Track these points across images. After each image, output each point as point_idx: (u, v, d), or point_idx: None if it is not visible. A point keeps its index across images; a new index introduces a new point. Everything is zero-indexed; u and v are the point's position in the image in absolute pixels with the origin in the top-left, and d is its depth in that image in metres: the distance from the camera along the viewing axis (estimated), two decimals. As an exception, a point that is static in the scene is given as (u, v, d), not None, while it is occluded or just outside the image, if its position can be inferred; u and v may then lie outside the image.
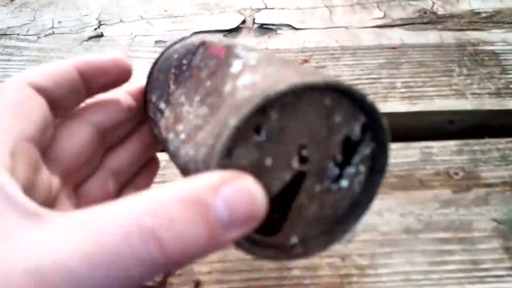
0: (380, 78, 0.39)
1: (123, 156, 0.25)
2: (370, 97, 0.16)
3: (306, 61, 0.40)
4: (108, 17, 0.46)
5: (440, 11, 0.44)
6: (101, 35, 0.44)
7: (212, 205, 0.14)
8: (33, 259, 0.13)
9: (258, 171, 0.15)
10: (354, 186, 0.17)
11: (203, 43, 0.21)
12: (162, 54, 0.23)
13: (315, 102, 0.16)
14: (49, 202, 0.19)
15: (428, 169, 0.33)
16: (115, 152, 0.25)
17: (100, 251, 0.13)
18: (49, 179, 0.20)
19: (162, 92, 0.21)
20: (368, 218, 0.31)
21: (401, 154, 0.34)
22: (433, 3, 0.45)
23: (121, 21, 0.45)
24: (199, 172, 0.15)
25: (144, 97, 0.24)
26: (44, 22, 0.46)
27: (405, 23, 0.44)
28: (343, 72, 0.39)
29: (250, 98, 0.14)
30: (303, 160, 0.16)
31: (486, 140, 0.35)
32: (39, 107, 0.19)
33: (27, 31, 0.45)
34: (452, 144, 0.35)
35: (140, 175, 0.27)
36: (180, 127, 0.18)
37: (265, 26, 0.43)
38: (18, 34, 0.44)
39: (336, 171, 0.17)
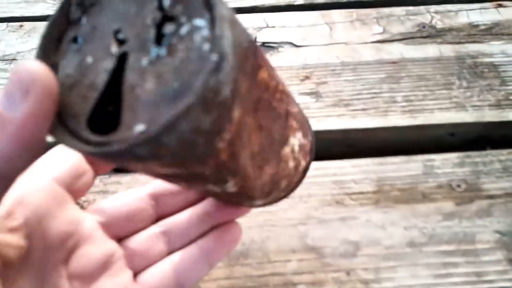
0: (381, 92, 0.39)
1: (176, 219, 0.26)
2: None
3: (307, 77, 0.41)
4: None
5: (439, 25, 0.45)
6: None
7: None
8: None
9: (82, 72, 0.16)
10: (195, 42, 0.15)
11: None
12: None
13: None
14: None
15: (430, 182, 0.34)
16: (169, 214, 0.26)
17: None
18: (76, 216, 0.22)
19: None
20: (372, 232, 0.31)
21: (403, 168, 0.35)
22: (432, 17, 0.46)
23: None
24: None
25: None
26: (52, 46, 0.47)
27: (405, 38, 0.44)
28: (344, 88, 0.40)
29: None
30: (121, 42, 0.16)
31: (488, 151, 0.35)
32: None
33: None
34: (453, 156, 0.35)
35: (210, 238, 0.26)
36: None
37: (267, 44, 0.44)
38: (27, 59, 0.46)
39: (155, 34, 0.15)
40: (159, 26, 0.15)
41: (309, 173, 0.34)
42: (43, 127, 0.15)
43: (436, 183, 0.34)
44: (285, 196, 0.24)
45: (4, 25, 0.49)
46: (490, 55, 0.42)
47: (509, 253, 0.30)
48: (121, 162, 0.16)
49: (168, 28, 0.15)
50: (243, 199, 0.21)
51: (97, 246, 0.23)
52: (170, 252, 0.25)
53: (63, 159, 0.23)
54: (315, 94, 0.40)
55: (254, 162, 0.19)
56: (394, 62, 0.42)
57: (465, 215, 0.32)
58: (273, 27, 0.46)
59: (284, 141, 0.21)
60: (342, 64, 0.42)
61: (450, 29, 0.45)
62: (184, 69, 0.14)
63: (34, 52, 0.47)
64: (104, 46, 0.16)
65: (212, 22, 0.14)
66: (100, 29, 0.16)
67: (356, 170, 0.35)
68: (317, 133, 0.38)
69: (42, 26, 0.50)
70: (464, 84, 0.40)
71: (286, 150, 0.21)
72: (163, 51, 0.15)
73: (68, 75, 0.16)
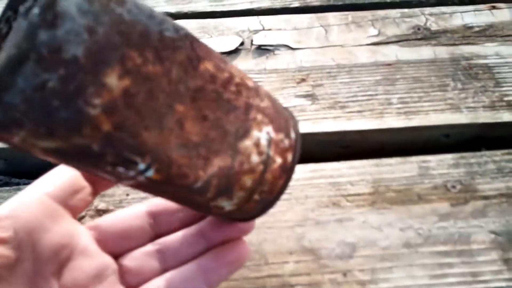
0: (376, 94, 0.40)
1: (171, 238, 0.25)
2: None
3: (303, 80, 0.41)
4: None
5: (434, 27, 0.46)
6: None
7: None
8: None
9: None
10: (30, 16, 0.15)
11: None
12: None
13: None
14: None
15: (426, 183, 0.34)
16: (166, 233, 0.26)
17: None
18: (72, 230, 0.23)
19: None
20: (368, 233, 0.31)
21: (399, 169, 0.35)
22: (427, 19, 0.46)
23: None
24: None
25: None
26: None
27: (400, 40, 0.45)
28: (340, 90, 0.40)
29: None
30: None
31: (482, 152, 0.36)
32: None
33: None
34: (449, 157, 0.35)
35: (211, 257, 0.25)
36: None
37: (263, 47, 0.45)
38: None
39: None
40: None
41: (305, 175, 0.35)
42: None
43: (432, 184, 0.34)
44: (265, 201, 0.23)
45: None
46: (485, 56, 0.43)
47: (504, 253, 0.30)
48: None
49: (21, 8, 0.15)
50: (183, 192, 0.20)
51: (91, 260, 0.23)
52: (164, 271, 0.24)
53: (59, 177, 0.24)
54: (311, 97, 0.40)
55: (192, 151, 0.19)
56: (389, 64, 0.42)
57: (461, 215, 0.32)
58: (269, 30, 0.46)
59: (243, 134, 0.21)
60: (338, 66, 0.42)
61: (445, 31, 0.45)
62: (17, 36, 0.14)
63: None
64: None
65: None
66: None
67: (352, 172, 0.35)
68: (313, 135, 0.38)
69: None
70: (459, 85, 0.40)
71: (247, 143, 0.21)
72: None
73: None
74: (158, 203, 0.26)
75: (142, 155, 0.18)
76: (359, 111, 0.39)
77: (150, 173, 0.18)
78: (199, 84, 0.19)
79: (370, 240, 0.31)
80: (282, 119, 0.23)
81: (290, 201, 0.33)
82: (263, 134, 0.22)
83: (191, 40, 0.19)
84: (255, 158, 0.21)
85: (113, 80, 0.16)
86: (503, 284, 0.29)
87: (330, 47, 0.44)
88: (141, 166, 0.18)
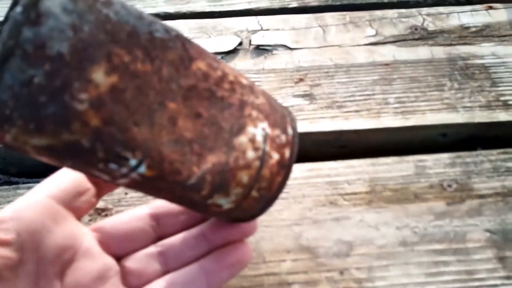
0: (373, 94, 0.40)
1: (173, 240, 0.26)
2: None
3: (301, 79, 0.42)
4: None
5: (431, 27, 0.46)
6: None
7: None
8: None
9: None
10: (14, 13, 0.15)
11: None
12: None
13: None
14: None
15: (422, 182, 0.34)
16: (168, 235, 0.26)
17: None
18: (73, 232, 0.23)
19: None
20: (365, 232, 0.32)
21: (395, 168, 0.35)
22: (424, 19, 0.47)
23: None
24: None
25: None
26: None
27: (397, 40, 0.45)
28: (337, 90, 0.41)
29: None
30: None
31: (478, 152, 0.36)
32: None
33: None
34: (445, 157, 0.36)
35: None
36: None
37: (261, 47, 0.45)
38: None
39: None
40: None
41: (302, 175, 0.35)
42: None
43: (428, 183, 0.34)
44: (264, 198, 0.23)
45: None
46: (481, 56, 0.43)
47: (499, 252, 0.30)
48: None
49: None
50: (176, 188, 0.21)
51: (94, 261, 0.23)
52: (166, 273, 0.25)
53: (62, 179, 0.24)
54: (309, 96, 0.40)
55: (184, 147, 0.19)
56: (386, 64, 0.42)
57: (456, 214, 0.32)
58: (267, 30, 0.47)
59: (238, 131, 0.21)
60: (336, 66, 0.43)
61: (442, 31, 0.45)
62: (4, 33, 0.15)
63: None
64: None
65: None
66: None
67: (349, 171, 0.35)
68: (311, 135, 0.38)
69: None
70: (456, 85, 0.40)
71: (242, 139, 0.21)
72: None
73: None
74: (161, 205, 0.26)
75: (133, 150, 0.18)
76: (356, 111, 0.39)
77: (142, 169, 0.19)
78: (191, 83, 0.20)
79: (367, 238, 0.31)
80: (278, 115, 0.23)
81: (288, 200, 0.33)
82: (258, 130, 0.22)
83: (182, 41, 0.20)
84: (250, 154, 0.21)
85: (100, 76, 0.16)
86: (498, 282, 0.29)
87: (328, 47, 0.45)
88: (132, 162, 0.18)
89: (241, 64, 0.43)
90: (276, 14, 0.49)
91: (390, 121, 0.38)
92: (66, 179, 0.24)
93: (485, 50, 0.43)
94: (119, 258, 0.25)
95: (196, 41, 0.21)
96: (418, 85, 0.41)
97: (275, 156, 0.22)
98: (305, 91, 0.41)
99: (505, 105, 0.39)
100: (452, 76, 0.41)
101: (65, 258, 0.22)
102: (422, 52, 0.44)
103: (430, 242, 0.31)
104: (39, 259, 0.21)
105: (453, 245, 0.31)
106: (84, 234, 0.24)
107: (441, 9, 0.48)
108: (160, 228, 0.26)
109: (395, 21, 0.47)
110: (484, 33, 0.45)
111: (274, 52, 0.44)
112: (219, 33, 0.47)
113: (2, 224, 0.21)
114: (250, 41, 0.45)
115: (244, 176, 0.21)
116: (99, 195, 0.25)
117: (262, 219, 0.32)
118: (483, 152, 0.36)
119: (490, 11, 0.47)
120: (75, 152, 0.17)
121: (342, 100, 0.40)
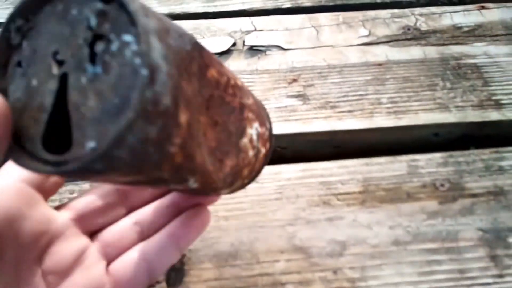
0: (366, 94, 0.40)
1: (145, 210, 0.26)
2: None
3: (295, 80, 0.42)
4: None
5: (423, 27, 0.46)
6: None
7: None
8: None
9: (30, 94, 0.16)
10: (127, 57, 0.15)
11: None
12: None
13: (51, 10, 0.17)
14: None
15: (415, 181, 0.35)
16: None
17: None
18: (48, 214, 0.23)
19: None
20: (358, 232, 0.32)
21: (388, 168, 0.35)
22: (416, 19, 0.47)
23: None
24: None
25: None
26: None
27: (390, 40, 0.45)
28: (331, 90, 0.41)
29: None
30: (60, 63, 0.16)
31: (471, 151, 0.36)
32: None
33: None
34: (437, 156, 0.36)
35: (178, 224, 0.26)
36: None
37: (255, 48, 0.45)
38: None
39: (88, 53, 0.16)
40: (91, 45, 0.16)
41: (296, 175, 0.35)
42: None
43: (421, 182, 0.34)
44: (249, 183, 0.26)
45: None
46: (473, 56, 0.43)
47: (491, 250, 0.31)
48: (81, 177, 0.17)
49: (99, 46, 0.16)
50: (207, 191, 0.22)
51: (70, 242, 0.23)
52: (141, 240, 0.26)
53: None
54: (302, 97, 0.40)
55: (213, 157, 0.20)
56: (379, 64, 0.43)
57: (449, 213, 0.33)
58: (261, 30, 0.47)
59: (242, 133, 0.22)
60: (329, 66, 0.43)
61: (434, 31, 0.46)
62: (121, 85, 0.15)
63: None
64: (46, 68, 0.16)
65: (138, 37, 0.15)
66: (40, 52, 0.17)
67: (343, 171, 0.35)
68: (304, 135, 0.38)
69: None
70: (448, 85, 0.41)
71: (245, 140, 0.23)
72: (98, 69, 0.15)
73: (18, 99, 0.16)
74: None
75: (194, 174, 0.19)
76: (349, 111, 0.39)
77: (195, 185, 0.20)
78: (210, 92, 0.20)
79: (360, 238, 0.32)
80: (262, 112, 0.25)
81: (281, 201, 0.34)
82: (253, 130, 0.23)
83: (199, 49, 0.19)
84: (251, 153, 0.23)
85: (183, 118, 0.17)
86: (490, 280, 0.29)
87: (321, 48, 0.45)
88: (191, 182, 0.19)
89: (235, 65, 0.43)
90: (269, 14, 0.49)
91: (383, 121, 0.38)
92: None
93: (477, 50, 0.44)
94: (93, 233, 0.25)
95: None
96: (411, 85, 0.41)
97: (263, 150, 0.24)
98: (298, 92, 0.41)
99: (497, 105, 0.39)
100: (444, 76, 0.41)
101: (42, 243, 0.22)
102: (415, 52, 0.44)
103: (423, 241, 0.31)
104: (18, 246, 0.21)
105: (446, 244, 0.31)
106: (57, 217, 0.24)
107: (433, 9, 0.48)
108: (129, 201, 0.26)
109: (388, 21, 0.47)
110: (476, 33, 0.45)
111: (267, 52, 0.45)
112: (213, 34, 0.47)
113: None
114: (243, 41, 0.45)
115: (245, 172, 0.24)
116: None
117: (256, 220, 0.33)
118: (475, 151, 0.36)
119: (483, 11, 0.48)
120: (154, 183, 0.18)
121: (335, 100, 0.40)
